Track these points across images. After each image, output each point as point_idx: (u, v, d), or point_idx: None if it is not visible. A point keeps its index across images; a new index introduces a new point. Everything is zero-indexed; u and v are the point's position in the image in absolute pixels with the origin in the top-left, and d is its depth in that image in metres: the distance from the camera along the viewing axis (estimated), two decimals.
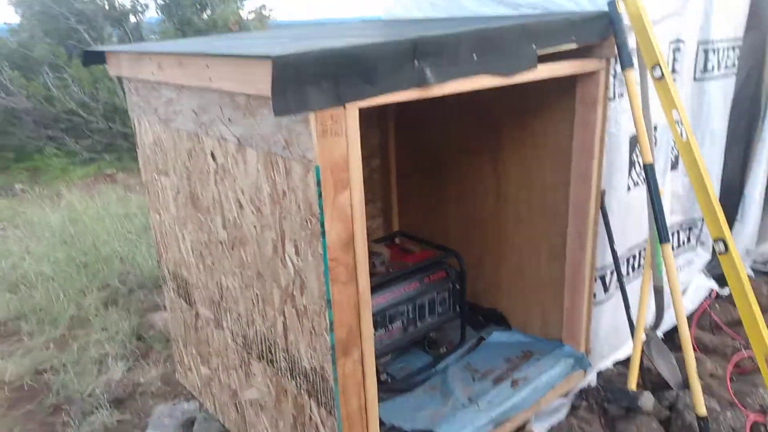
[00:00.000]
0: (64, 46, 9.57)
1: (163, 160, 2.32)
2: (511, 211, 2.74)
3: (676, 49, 2.55)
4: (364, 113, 3.32)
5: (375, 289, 2.37)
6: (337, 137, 1.50)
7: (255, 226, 1.83)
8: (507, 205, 2.74)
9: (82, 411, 3.21)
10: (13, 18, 11.16)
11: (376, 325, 2.39)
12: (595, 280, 2.50)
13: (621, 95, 2.30)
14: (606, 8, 2.08)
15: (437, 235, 3.13)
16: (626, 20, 2.10)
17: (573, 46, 2.02)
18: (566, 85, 2.29)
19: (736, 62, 2.90)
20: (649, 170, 2.06)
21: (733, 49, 2.89)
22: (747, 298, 1.81)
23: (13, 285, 4.80)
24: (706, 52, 2.72)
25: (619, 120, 2.27)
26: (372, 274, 2.40)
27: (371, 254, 2.50)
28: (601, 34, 2.10)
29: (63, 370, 3.60)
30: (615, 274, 2.49)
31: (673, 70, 2.56)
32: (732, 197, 3.31)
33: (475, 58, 1.73)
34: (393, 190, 3.33)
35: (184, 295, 2.51)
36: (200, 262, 2.27)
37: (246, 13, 12.52)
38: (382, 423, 2.27)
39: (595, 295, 2.53)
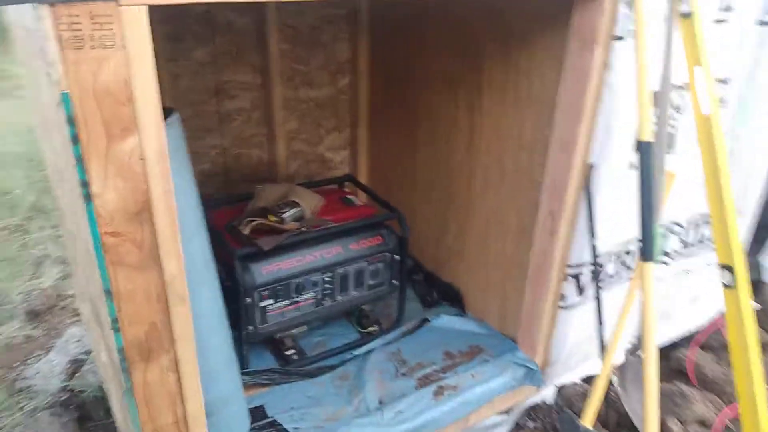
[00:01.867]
0: None
1: None
2: (480, 169, 2.13)
3: None
4: (327, 18, 2.69)
5: (276, 251, 1.87)
6: (105, 50, 0.94)
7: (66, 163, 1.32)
8: (478, 160, 2.14)
9: None
10: None
11: (277, 295, 1.91)
12: (567, 278, 1.92)
13: None
14: None
15: (405, 182, 2.57)
16: None
17: None
18: (560, 11, 1.62)
19: None
20: (643, 150, 1.42)
21: None
22: (746, 351, 1.23)
23: None
24: None
25: (629, 70, 1.60)
26: (275, 231, 1.91)
27: (283, 205, 1.97)
28: None
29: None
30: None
31: (728, 8, 1.81)
32: None
33: None
34: (363, 119, 2.73)
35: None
36: (59, 187, 1.81)
37: None
38: (264, 414, 1.85)
39: (564, 297, 1.96)
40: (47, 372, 2.53)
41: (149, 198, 1.08)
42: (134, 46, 0.96)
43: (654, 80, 1.58)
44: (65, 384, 2.39)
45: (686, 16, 1.32)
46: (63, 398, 2.31)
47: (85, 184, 1.01)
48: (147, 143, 1.03)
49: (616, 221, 1.89)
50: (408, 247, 2.12)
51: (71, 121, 0.95)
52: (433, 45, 2.23)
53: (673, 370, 2.31)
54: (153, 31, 0.95)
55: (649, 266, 1.47)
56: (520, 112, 1.89)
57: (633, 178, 1.76)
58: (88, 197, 1.02)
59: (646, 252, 1.46)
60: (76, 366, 2.50)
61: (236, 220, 1.93)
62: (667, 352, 2.34)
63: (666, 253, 2.13)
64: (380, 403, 1.88)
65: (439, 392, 1.91)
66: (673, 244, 2.17)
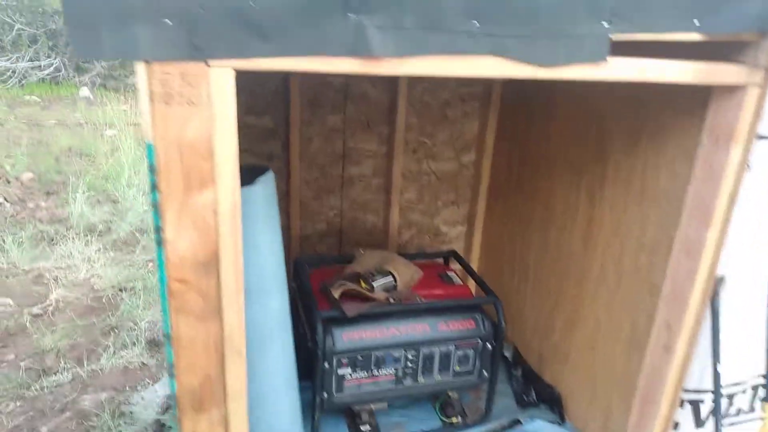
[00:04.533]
0: None
1: None
2: (597, 265, 1.94)
3: None
4: (461, 95, 2.76)
5: (360, 319, 1.84)
6: (192, 107, 1.00)
7: None
8: (594, 256, 1.95)
9: (123, 342, 3.21)
10: None
11: (356, 365, 1.86)
12: (682, 404, 1.65)
13: None
14: None
15: (516, 267, 2.43)
16: None
17: (695, 36, 1.21)
18: (695, 104, 1.46)
19: None
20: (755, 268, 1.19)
21: None
22: None
23: None
24: None
25: None
26: (363, 298, 1.88)
27: (376, 273, 1.95)
28: (762, 24, 1.24)
29: (138, 294, 3.67)
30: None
31: None
32: None
33: (477, 26, 1.07)
34: (482, 196, 2.67)
35: None
36: None
37: None
38: None
39: (677, 425, 1.68)
40: (148, 402, 2.68)
41: (218, 250, 1.10)
42: (219, 105, 1.01)
43: None
44: (158, 417, 2.50)
45: None
46: (153, 431, 2.42)
47: (159, 230, 1.06)
48: (222, 198, 1.07)
49: (750, 348, 1.61)
50: (509, 337, 1.97)
51: (153, 170, 1.01)
52: (560, 130, 2.13)
53: None
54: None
55: None
56: (644, 208, 1.71)
57: None
58: (160, 242, 1.07)
59: None
60: (171, 402, 2.62)
61: (330, 281, 1.94)
62: None
63: None
64: None
65: None
66: None
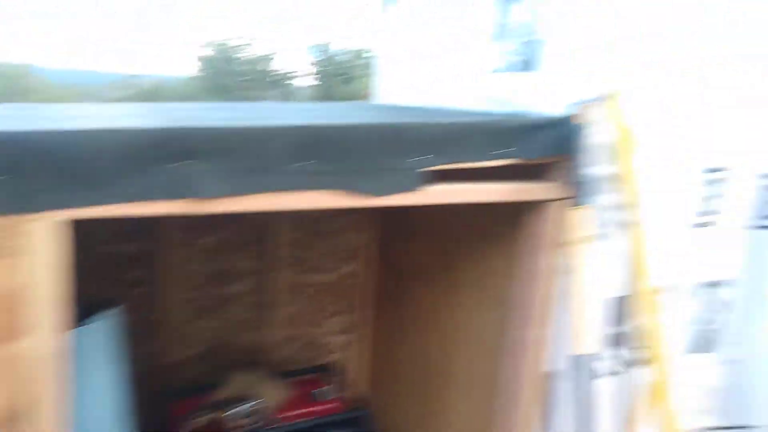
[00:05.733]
0: (226, 100, 10.54)
1: None
2: (456, 371, 2.03)
3: (714, 181, 1.78)
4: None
5: None
6: (9, 259, 1.00)
7: None
8: (455, 362, 2.04)
9: None
10: (191, 71, 12.43)
11: None
12: None
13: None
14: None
15: (394, 375, 2.47)
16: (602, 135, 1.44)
17: (499, 162, 1.40)
18: (517, 213, 1.64)
19: None
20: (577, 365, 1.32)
21: None
22: None
23: None
24: None
25: (595, 275, 1.55)
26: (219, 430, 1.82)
27: (232, 402, 1.90)
28: (552, 150, 1.45)
29: None
30: None
31: (710, 212, 1.78)
32: None
33: (302, 166, 1.18)
34: (366, 305, 2.72)
35: None
36: None
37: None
38: None
39: None
40: None
41: (37, 401, 1.06)
42: (41, 254, 1.02)
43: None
44: None
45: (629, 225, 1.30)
46: None
47: None
48: (39, 346, 1.05)
49: None
50: None
51: None
52: (418, 241, 2.27)
53: None
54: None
55: None
56: (486, 311, 1.84)
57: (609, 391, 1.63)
58: None
59: None
60: None
61: (189, 413, 1.87)
62: None
63: None
64: None
65: None
66: None
